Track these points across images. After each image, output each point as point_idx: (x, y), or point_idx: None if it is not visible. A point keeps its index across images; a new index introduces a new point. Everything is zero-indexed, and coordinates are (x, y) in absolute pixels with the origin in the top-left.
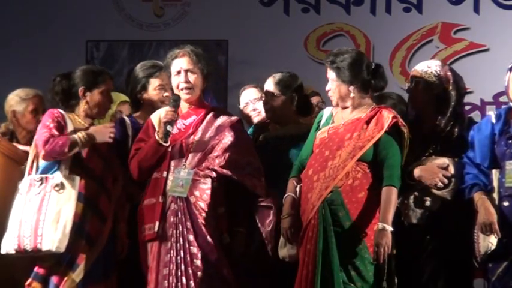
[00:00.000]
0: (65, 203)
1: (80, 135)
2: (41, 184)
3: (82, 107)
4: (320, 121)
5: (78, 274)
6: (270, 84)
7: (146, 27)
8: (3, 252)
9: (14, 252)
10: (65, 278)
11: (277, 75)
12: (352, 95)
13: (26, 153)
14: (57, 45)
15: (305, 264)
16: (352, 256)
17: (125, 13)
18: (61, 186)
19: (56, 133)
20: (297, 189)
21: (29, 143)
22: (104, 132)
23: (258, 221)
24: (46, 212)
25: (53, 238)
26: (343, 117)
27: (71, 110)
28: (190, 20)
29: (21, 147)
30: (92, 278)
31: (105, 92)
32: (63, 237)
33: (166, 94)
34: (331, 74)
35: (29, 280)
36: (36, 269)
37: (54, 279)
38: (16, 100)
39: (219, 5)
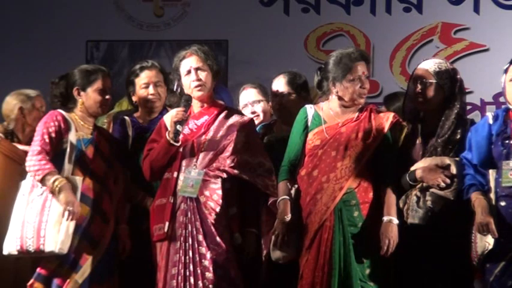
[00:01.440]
0: None
1: (57, 183)
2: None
3: (79, 107)
4: (306, 121)
5: (81, 275)
6: (281, 84)
7: (146, 27)
8: (5, 252)
9: (16, 253)
10: (68, 280)
11: (287, 75)
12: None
13: (26, 153)
14: (57, 45)
15: (319, 266)
16: (367, 254)
17: (125, 13)
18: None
19: (47, 148)
20: (292, 191)
21: (30, 141)
22: (70, 203)
23: (262, 222)
24: (49, 214)
25: (56, 240)
26: (336, 116)
27: (71, 112)
28: (190, 20)
29: (21, 147)
30: (95, 279)
31: (100, 90)
32: (66, 238)
33: (151, 91)
34: (366, 71)
35: (31, 281)
36: (38, 270)
37: (57, 281)
38: (22, 98)
39: (219, 5)
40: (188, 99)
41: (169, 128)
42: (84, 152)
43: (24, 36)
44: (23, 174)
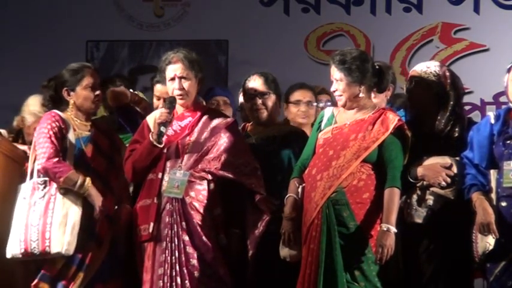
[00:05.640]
0: (71, 205)
1: (87, 183)
2: (44, 187)
3: (71, 107)
4: (321, 121)
5: (87, 274)
6: (260, 84)
7: (146, 27)
8: (8, 256)
9: (20, 256)
10: (75, 279)
11: (263, 74)
12: (361, 95)
13: (26, 152)
14: (57, 45)
15: (308, 263)
16: (356, 256)
17: (125, 13)
18: (66, 189)
19: (58, 149)
20: (299, 189)
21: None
22: (97, 200)
23: (248, 222)
24: (53, 215)
25: (62, 241)
26: (347, 117)
27: (64, 113)
28: (190, 20)
29: (20, 146)
30: (100, 278)
31: (88, 86)
32: (72, 239)
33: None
34: (338, 75)
35: (36, 281)
36: (43, 270)
37: (63, 281)
38: (30, 110)
39: (219, 5)
40: (172, 101)
41: (152, 130)
42: (83, 151)
43: (24, 36)
44: (22, 174)
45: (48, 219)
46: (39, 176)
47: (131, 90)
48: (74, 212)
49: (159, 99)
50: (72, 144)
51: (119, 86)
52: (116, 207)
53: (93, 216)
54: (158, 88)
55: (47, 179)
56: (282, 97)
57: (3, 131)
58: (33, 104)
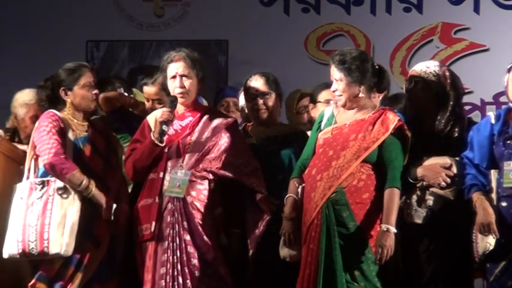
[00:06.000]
0: (69, 206)
1: (91, 186)
2: (42, 188)
3: (68, 107)
4: (321, 121)
5: (85, 275)
6: (261, 84)
7: (146, 27)
8: (5, 256)
9: (18, 256)
10: (73, 280)
11: (264, 74)
12: (361, 95)
13: (26, 152)
14: (57, 45)
15: (307, 263)
16: (356, 256)
17: (125, 13)
18: (64, 189)
19: (62, 146)
20: (299, 190)
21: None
22: (103, 201)
23: (248, 222)
24: (51, 216)
25: (61, 242)
26: (347, 117)
27: (61, 112)
28: (190, 20)
29: (20, 146)
30: (98, 278)
31: (86, 85)
32: (70, 240)
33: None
34: (338, 75)
35: (33, 281)
36: (41, 271)
37: (60, 281)
38: (19, 103)
39: (219, 5)
40: (174, 100)
41: (153, 129)
42: (82, 151)
43: (24, 36)
44: (22, 174)
45: (46, 220)
46: (36, 176)
47: (126, 93)
48: (72, 213)
49: (148, 101)
50: (71, 144)
51: (118, 88)
52: (115, 206)
53: (91, 217)
54: (145, 90)
55: (44, 179)
56: (283, 97)
57: (0, 131)
58: (21, 96)
